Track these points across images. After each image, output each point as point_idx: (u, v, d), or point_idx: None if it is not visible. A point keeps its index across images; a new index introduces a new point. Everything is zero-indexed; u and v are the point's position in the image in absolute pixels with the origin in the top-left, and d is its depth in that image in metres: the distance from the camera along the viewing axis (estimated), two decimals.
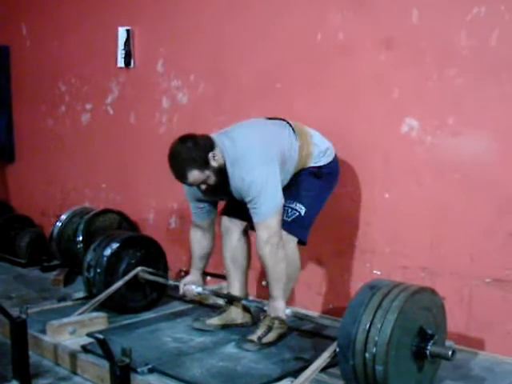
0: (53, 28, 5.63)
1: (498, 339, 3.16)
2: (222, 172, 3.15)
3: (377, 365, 2.41)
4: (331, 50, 3.73)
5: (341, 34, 3.69)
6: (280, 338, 3.33)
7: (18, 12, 5.99)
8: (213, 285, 4.18)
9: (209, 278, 4.28)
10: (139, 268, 3.86)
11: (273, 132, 3.28)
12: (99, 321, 3.53)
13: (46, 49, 5.73)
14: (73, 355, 3.19)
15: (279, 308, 3.13)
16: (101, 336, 2.58)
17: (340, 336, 2.55)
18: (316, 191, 3.33)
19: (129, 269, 3.85)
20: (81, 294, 4.07)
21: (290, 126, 3.33)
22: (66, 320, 3.45)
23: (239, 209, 3.37)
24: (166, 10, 4.66)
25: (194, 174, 3.09)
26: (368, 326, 2.45)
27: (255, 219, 3.12)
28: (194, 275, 3.61)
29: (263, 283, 3.90)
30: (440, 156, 3.36)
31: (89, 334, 2.86)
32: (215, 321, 3.52)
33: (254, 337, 3.26)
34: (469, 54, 3.22)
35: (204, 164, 3.09)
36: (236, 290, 3.54)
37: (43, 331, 3.41)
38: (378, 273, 3.59)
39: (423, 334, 2.55)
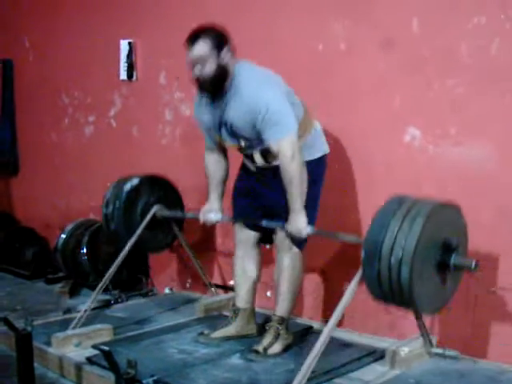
0: (55, 41, 5.65)
1: (503, 348, 3.15)
2: (223, 72, 3.11)
3: (402, 269, 2.44)
4: (333, 59, 3.75)
5: (342, 44, 3.71)
6: (286, 348, 3.33)
7: (20, 25, 6.01)
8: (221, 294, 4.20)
9: (213, 289, 4.29)
10: (156, 206, 3.89)
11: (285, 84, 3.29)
12: (104, 332, 3.54)
13: (48, 62, 5.75)
14: (78, 367, 3.20)
15: (301, 222, 3.09)
16: (106, 348, 2.59)
17: (367, 241, 2.58)
18: (310, 197, 3.26)
19: (147, 207, 3.90)
20: (85, 307, 4.07)
21: None
22: (70, 332, 3.45)
23: (252, 224, 3.41)
24: (167, 23, 4.67)
25: (203, 45, 3.08)
26: (396, 230, 2.48)
27: (277, 136, 3.05)
28: (213, 203, 3.53)
29: (268, 294, 3.91)
30: (442, 165, 3.36)
31: (94, 346, 2.87)
32: (220, 333, 3.51)
33: (260, 347, 3.26)
34: (470, 63, 3.24)
35: (217, 47, 3.10)
36: (243, 301, 3.54)
37: (48, 343, 3.42)
38: None
39: (447, 245, 2.60)
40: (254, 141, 3.20)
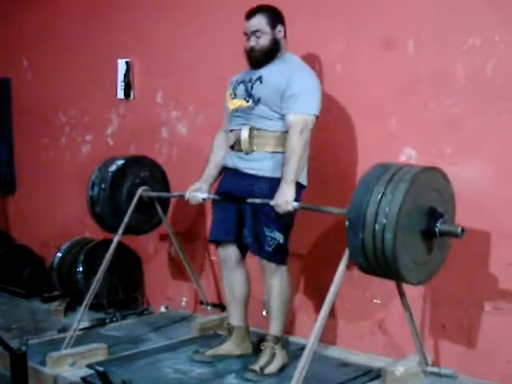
0: (53, 60, 5.67)
1: (499, 368, 3.14)
2: (275, 46, 3.34)
3: (386, 235, 2.41)
4: (329, 80, 3.77)
5: (338, 65, 3.74)
6: (282, 367, 3.32)
7: (18, 45, 6.04)
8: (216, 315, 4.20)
9: (209, 307, 4.29)
10: (142, 188, 3.89)
11: None
12: (99, 352, 3.53)
13: (46, 81, 5.78)
14: None
15: (290, 193, 3.10)
16: (101, 368, 2.58)
17: (350, 209, 2.55)
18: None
19: (133, 188, 3.89)
20: (81, 325, 4.05)
21: None
22: (65, 351, 3.44)
23: (232, 232, 3.40)
24: (164, 42, 4.71)
25: (261, 19, 3.33)
26: (379, 197, 2.46)
27: (298, 110, 3.20)
28: (202, 183, 3.52)
29: (264, 313, 3.89)
30: None
31: (89, 366, 2.86)
32: (215, 351, 3.50)
33: (257, 367, 3.25)
34: (465, 83, 3.26)
35: (273, 22, 3.34)
36: (235, 319, 3.54)
37: (43, 363, 3.40)
38: (378, 302, 3.59)
39: (433, 211, 2.57)
40: (264, 102, 3.27)
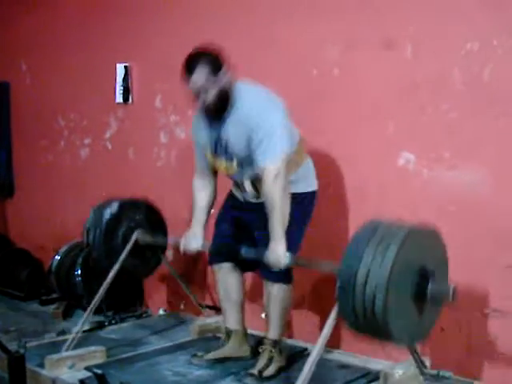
0: (52, 64, 5.68)
1: (498, 370, 3.16)
2: (225, 95, 3.11)
3: (377, 299, 2.37)
4: (327, 85, 3.79)
5: (336, 69, 3.75)
6: (280, 370, 3.33)
7: (17, 49, 6.05)
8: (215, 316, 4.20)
9: (203, 309, 4.29)
10: (138, 232, 3.83)
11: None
12: (98, 354, 3.51)
13: (45, 85, 5.79)
14: None
15: (280, 251, 3.01)
16: (99, 371, 2.59)
17: (341, 272, 2.50)
18: (294, 230, 3.21)
19: (128, 232, 3.84)
20: (77, 328, 4.06)
21: None
22: (64, 354, 3.44)
23: (226, 249, 3.42)
24: (163, 47, 4.71)
25: (202, 73, 3.07)
26: (370, 260, 2.41)
27: (265, 155, 3.03)
28: (195, 230, 3.46)
29: (262, 316, 3.89)
30: (436, 189, 3.39)
31: (87, 368, 2.87)
32: (213, 355, 3.49)
33: (255, 370, 3.25)
34: (463, 88, 3.28)
35: (215, 70, 3.08)
36: (232, 322, 3.53)
37: (41, 365, 3.39)
38: None
39: (424, 272, 2.51)
40: (246, 162, 3.19)
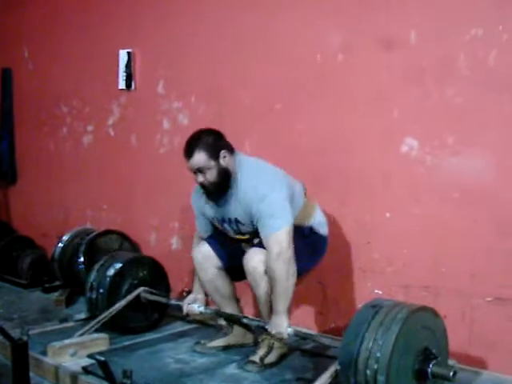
0: (54, 50, 5.67)
1: (501, 358, 3.15)
2: (224, 176, 3.17)
3: (378, 379, 2.38)
4: (331, 71, 3.76)
5: (340, 55, 3.72)
6: (281, 358, 3.33)
7: (20, 35, 6.03)
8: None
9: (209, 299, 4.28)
10: (141, 288, 3.85)
11: (285, 173, 3.31)
12: (100, 342, 3.52)
13: (47, 71, 5.77)
14: (74, 377, 3.18)
15: (282, 325, 3.09)
16: (102, 358, 2.58)
17: (341, 354, 2.54)
18: (303, 259, 3.22)
19: (131, 289, 3.85)
20: (82, 315, 4.06)
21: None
22: (67, 341, 3.43)
23: (218, 244, 3.41)
24: (166, 33, 4.69)
25: (200, 156, 3.13)
26: (371, 343, 2.44)
27: (268, 231, 3.08)
28: (197, 294, 3.57)
29: None
30: (440, 175, 3.37)
31: (90, 356, 2.87)
32: (217, 343, 3.51)
33: (256, 357, 3.26)
34: (468, 74, 3.25)
35: (214, 154, 3.14)
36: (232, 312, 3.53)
37: (44, 353, 3.40)
38: (380, 292, 3.58)
39: (425, 353, 2.54)
40: (257, 235, 3.21)
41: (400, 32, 3.46)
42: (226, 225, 3.33)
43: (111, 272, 3.85)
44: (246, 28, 4.16)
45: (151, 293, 3.86)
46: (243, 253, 3.27)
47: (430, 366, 2.53)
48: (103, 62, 5.17)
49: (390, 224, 3.56)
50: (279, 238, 3.06)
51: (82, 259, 4.60)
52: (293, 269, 3.09)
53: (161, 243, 4.88)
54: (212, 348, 3.48)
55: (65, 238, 4.86)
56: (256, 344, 3.43)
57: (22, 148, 6.17)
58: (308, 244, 3.32)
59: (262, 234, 3.13)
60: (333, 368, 2.64)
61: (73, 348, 3.39)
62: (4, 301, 4.89)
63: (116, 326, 3.77)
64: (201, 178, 3.18)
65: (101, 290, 3.81)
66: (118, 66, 5.01)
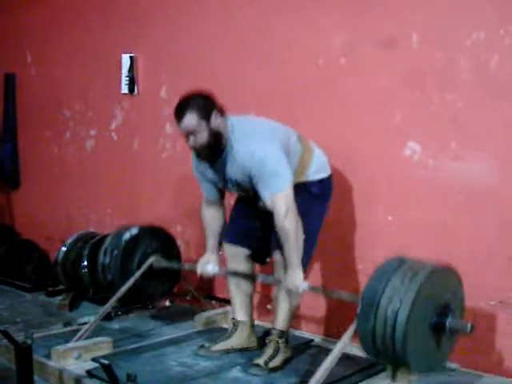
0: (57, 55, 5.68)
1: (503, 361, 3.15)
2: (216, 138, 3.14)
3: (398, 320, 2.45)
4: (333, 74, 3.77)
5: (342, 59, 3.74)
6: (286, 361, 3.33)
7: (23, 40, 6.05)
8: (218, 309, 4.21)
9: (214, 301, 4.29)
10: (153, 257, 3.89)
11: (279, 125, 3.33)
12: (104, 345, 3.52)
13: (50, 76, 5.79)
14: (78, 380, 3.19)
15: (298, 278, 3.08)
16: (106, 361, 2.59)
17: (365, 293, 2.60)
18: (311, 214, 3.29)
19: (144, 257, 3.91)
20: (86, 319, 4.07)
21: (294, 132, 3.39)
22: (71, 345, 3.44)
23: (244, 236, 3.44)
24: (168, 37, 4.71)
25: (191, 118, 3.09)
26: (397, 284, 2.51)
27: (271, 192, 3.07)
28: (211, 255, 3.55)
29: (268, 307, 3.91)
30: (442, 179, 3.38)
31: (94, 359, 2.87)
32: (220, 346, 3.51)
33: (261, 361, 3.26)
34: (469, 78, 3.26)
35: (205, 115, 3.11)
36: (240, 314, 3.55)
37: (48, 356, 3.40)
38: None
39: (445, 307, 2.61)
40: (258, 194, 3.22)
41: (402, 36, 3.47)
42: (229, 185, 3.34)
43: (127, 236, 3.92)
44: (247, 32, 4.17)
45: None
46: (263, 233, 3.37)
47: (448, 319, 2.59)
48: (106, 66, 5.18)
49: (393, 227, 3.56)
50: (284, 196, 3.06)
51: (85, 263, 4.61)
52: (299, 222, 3.11)
53: None
54: (216, 351, 3.48)
55: (68, 241, 4.86)
56: (261, 348, 3.43)
57: (25, 152, 6.18)
58: (314, 203, 3.33)
59: (264, 196, 3.11)
60: (353, 326, 2.69)
61: (77, 351, 3.40)
62: (8, 304, 4.90)
63: (131, 297, 3.83)
64: (192, 141, 3.15)
65: (115, 253, 3.86)
66: (120, 70, 5.02)
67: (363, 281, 3.64)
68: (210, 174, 3.38)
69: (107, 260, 3.90)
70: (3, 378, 3.37)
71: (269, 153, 3.10)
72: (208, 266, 3.53)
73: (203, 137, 3.12)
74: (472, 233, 3.23)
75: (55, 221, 5.76)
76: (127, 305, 3.79)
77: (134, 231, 3.97)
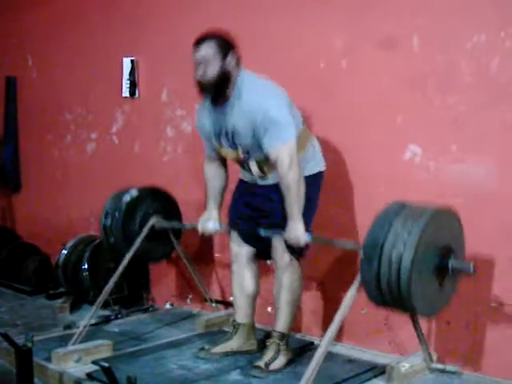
0: (58, 58, 5.69)
1: (504, 364, 3.14)
2: (224, 78, 3.17)
3: (403, 265, 2.45)
4: (334, 77, 3.77)
5: (343, 62, 3.74)
6: (286, 364, 3.33)
7: (24, 43, 6.05)
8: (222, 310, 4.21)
9: (214, 305, 4.29)
10: (155, 217, 3.92)
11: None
12: (104, 348, 3.53)
13: (51, 79, 5.79)
14: (78, 383, 3.19)
15: (300, 229, 3.09)
16: (106, 364, 2.58)
17: (367, 240, 2.60)
18: (306, 204, 3.26)
19: (145, 218, 3.94)
20: (86, 321, 4.06)
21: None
22: (71, 348, 3.45)
23: (248, 235, 3.43)
24: (169, 41, 4.71)
25: (208, 48, 3.17)
26: (399, 227, 2.51)
27: (276, 143, 3.09)
28: (211, 212, 3.55)
29: (269, 310, 3.91)
30: (443, 182, 3.38)
31: (94, 362, 2.87)
32: (220, 348, 3.50)
33: (261, 363, 3.26)
34: (470, 80, 3.26)
35: (222, 51, 3.17)
36: (242, 316, 3.54)
37: (49, 359, 3.41)
38: None
39: (447, 249, 2.63)
40: (252, 149, 3.24)
41: (403, 39, 3.47)
42: (222, 139, 3.33)
43: (127, 198, 3.94)
44: (248, 35, 4.17)
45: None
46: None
47: (451, 260, 2.63)
48: (107, 69, 5.19)
49: None
50: (288, 148, 3.09)
51: (86, 266, 4.62)
52: (301, 174, 3.14)
53: None
54: (216, 353, 3.48)
55: (69, 244, 4.87)
56: (261, 350, 3.43)
57: (26, 155, 6.18)
58: (309, 195, 3.29)
59: (268, 146, 3.12)
60: (358, 280, 2.72)
61: (77, 354, 3.40)
62: (8, 307, 4.90)
63: (134, 259, 3.85)
64: (202, 72, 3.18)
65: (116, 214, 3.88)
66: (121, 73, 5.02)
67: None
68: (207, 124, 3.38)
69: (108, 222, 3.90)
70: (4, 380, 3.38)
71: (276, 105, 3.13)
72: (209, 223, 3.53)
73: (214, 71, 3.15)
74: (473, 235, 3.22)
75: (56, 224, 5.76)
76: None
77: (134, 193, 3.98)
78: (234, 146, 3.31)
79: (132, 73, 4.98)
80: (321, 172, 3.42)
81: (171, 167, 4.75)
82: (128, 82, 5.01)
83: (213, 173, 3.55)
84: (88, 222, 5.36)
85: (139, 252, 3.87)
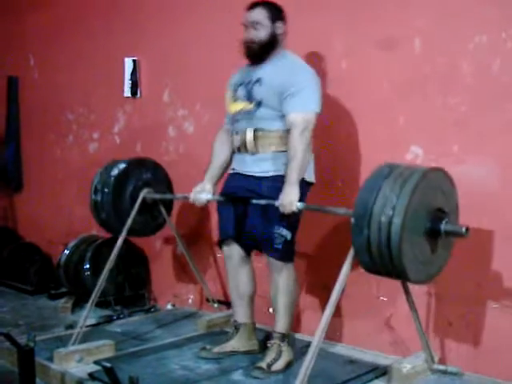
0: (60, 58, 5.70)
1: (505, 365, 3.14)
2: (272, 41, 3.32)
3: (392, 227, 2.42)
4: (335, 78, 3.77)
5: (344, 62, 3.74)
6: (288, 365, 3.33)
7: (26, 43, 6.06)
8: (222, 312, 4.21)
9: (216, 305, 4.29)
10: (145, 190, 3.89)
11: None
12: (106, 348, 3.54)
13: (53, 79, 5.80)
14: (80, 383, 3.20)
15: (294, 194, 3.09)
16: (108, 364, 2.59)
17: (357, 205, 2.57)
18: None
19: (136, 191, 3.90)
20: (87, 322, 4.06)
21: None
22: (73, 348, 3.45)
23: (238, 233, 3.43)
24: (171, 41, 4.72)
25: (261, 12, 3.33)
26: (388, 191, 2.48)
27: (299, 107, 3.19)
28: (206, 183, 3.51)
29: (270, 310, 3.90)
30: None
31: (96, 362, 2.87)
32: (221, 348, 3.51)
33: (263, 364, 3.26)
34: (472, 82, 3.26)
35: (273, 18, 3.33)
36: (241, 316, 3.55)
37: (50, 359, 3.42)
38: (385, 299, 3.60)
39: (439, 212, 2.60)
40: (265, 102, 3.27)
41: (404, 40, 3.47)
42: (241, 89, 3.40)
43: (115, 172, 3.89)
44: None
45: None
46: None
47: (443, 223, 2.60)
48: (109, 69, 5.20)
49: None
50: (307, 117, 3.18)
51: (87, 266, 4.63)
52: (310, 148, 3.23)
53: (166, 251, 4.88)
54: (216, 353, 3.48)
55: (71, 244, 4.88)
56: (262, 350, 3.44)
57: (28, 155, 6.20)
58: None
59: (290, 109, 3.20)
60: (351, 253, 2.69)
61: (79, 354, 3.40)
62: (10, 307, 4.92)
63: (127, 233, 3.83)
64: (252, 34, 3.32)
65: (105, 190, 3.84)
66: (123, 73, 5.03)
67: (364, 283, 3.66)
68: (236, 78, 3.48)
69: (98, 198, 3.86)
70: (6, 380, 3.38)
71: (313, 80, 3.27)
72: (201, 194, 3.49)
73: (263, 34, 3.30)
74: (474, 235, 3.22)
75: (58, 224, 5.77)
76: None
77: (122, 165, 3.93)
78: (248, 95, 3.36)
79: (134, 73, 5.00)
80: (310, 183, 3.38)
81: (173, 167, 4.74)
82: (130, 82, 5.03)
83: (221, 143, 3.53)
84: (90, 222, 5.34)
85: (130, 225, 3.83)
